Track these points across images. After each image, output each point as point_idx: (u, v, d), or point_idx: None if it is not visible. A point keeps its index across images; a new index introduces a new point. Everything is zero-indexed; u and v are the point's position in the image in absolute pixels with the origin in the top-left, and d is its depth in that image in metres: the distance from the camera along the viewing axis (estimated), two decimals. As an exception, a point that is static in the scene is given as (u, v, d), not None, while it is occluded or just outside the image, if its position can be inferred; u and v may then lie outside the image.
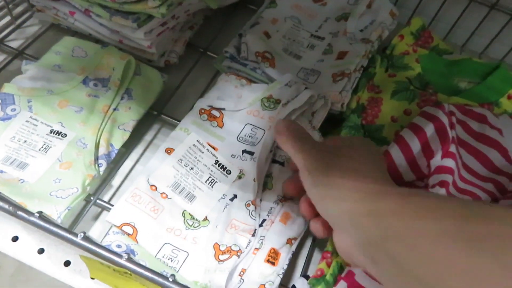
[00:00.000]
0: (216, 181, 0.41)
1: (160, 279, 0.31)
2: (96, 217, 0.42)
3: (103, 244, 0.36)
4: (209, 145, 0.43)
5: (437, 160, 0.43)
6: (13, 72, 0.49)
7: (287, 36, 0.56)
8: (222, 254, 0.37)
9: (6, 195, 0.36)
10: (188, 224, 0.39)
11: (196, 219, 0.39)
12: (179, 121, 0.45)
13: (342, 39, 0.55)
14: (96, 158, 0.41)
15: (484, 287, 0.21)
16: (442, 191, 0.39)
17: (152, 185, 0.40)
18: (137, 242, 0.37)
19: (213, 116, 0.45)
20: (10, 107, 0.42)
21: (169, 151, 0.42)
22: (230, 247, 0.38)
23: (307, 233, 0.42)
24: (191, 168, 0.41)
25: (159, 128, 0.49)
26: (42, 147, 0.41)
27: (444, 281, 0.22)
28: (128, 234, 0.37)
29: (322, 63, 0.53)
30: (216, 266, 0.36)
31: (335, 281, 0.37)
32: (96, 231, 0.41)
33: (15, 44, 0.54)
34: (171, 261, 0.37)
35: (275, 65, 0.51)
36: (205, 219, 0.39)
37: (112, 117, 0.45)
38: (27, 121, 0.42)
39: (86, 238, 0.31)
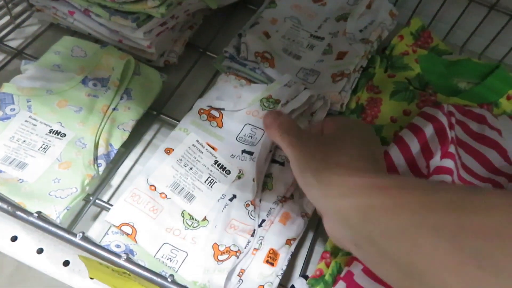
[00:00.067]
0: (215, 181, 0.41)
1: (159, 279, 0.31)
2: (95, 217, 0.42)
3: (102, 244, 0.36)
4: (208, 145, 0.43)
5: (436, 160, 0.43)
6: (12, 72, 0.49)
7: (287, 36, 0.56)
8: (221, 254, 0.37)
9: (5, 195, 0.36)
10: (187, 224, 0.39)
11: (195, 219, 0.39)
12: (179, 121, 0.45)
13: (342, 39, 0.55)
14: (95, 158, 0.41)
15: (464, 280, 0.21)
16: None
17: (151, 185, 0.40)
18: (136, 242, 0.37)
19: (213, 116, 0.45)
20: (9, 106, 0.42)
21: (168, 151, 0.42)
22: (229, 247, 0.37)
23: (306, 233, 0.42)
24: (191, 168, 0.41)
25: (158, 128, 0.49)
26: (41, 147, 0.41)
27: (428, 272, 0.22)
28: (127, 234, 0.37)
29: (321, 63, 0.53)
30: (215, 266, 0.36)
31: (334, 281, 0.37)
32: (95, 231, 0.41)
33: (14, 43, 0.54)
34: (170, 261, 0.37)
35: (274, 65, 0.51)
36: (204, 219, 0.39)
37: (112, 117, 0.45)
38: (26, 121, 0.42)
39: (85, 238, 0.31)
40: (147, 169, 0.41)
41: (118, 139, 0.44)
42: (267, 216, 0.40)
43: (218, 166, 0.42)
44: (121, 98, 0.46)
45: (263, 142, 0.43)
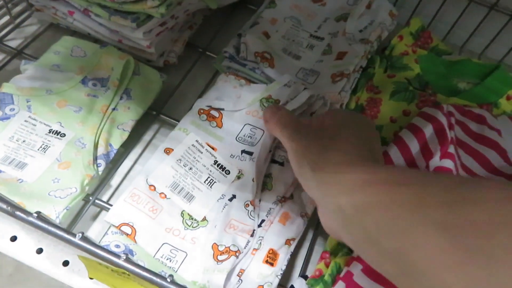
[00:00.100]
0: (215, 181, 0.41)
1: (158, 280, 0.31)
2: (95, 217, 0.42)
3: (102, 244, 0.36)
4: (208, 145, 0.43)
5: (436, 160, 0.43)
6: (12, 72, 0.48)
7: (287, 36, 0.56)
8: (220, 255, 0.37)
9: (4, 195, 0.36)
10: (187, 224, 0.39)
11: (195, 219, 0.39)
12: (178, 121, 0.45)
13: (341, 39, 0.55)
14: (95, 158, 0.41)
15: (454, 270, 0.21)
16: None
17: (151, 185, 0.40)
18: (136, 242, 0.37)
19: (212, 116, 0.45)
20: (9, 106, 0.42)
21: (168, 151, 0.42)
22: (229, 247, 0.38)
23: (305, 233, 0.42)
24: (190, 168, 0.41)
25: (158, 128, 0.49)
26: (40, 147, 0.41)
27: (427, 271, 0.22)
28: (127, 234, 0.37)
29: (321, 63, 0.53)
30: (215, 266, 0.36)
31: (334, 282, 0.37)
32: (94, 231, 0.41)
33: (14, 43, 0.54)
34: (170, 261, 0.37)
35: (274, 65, 0.51)
36: (204, 219, 0.39)
37: (111, 117, 0.45)
38: (26, 121, 0.42)
39: (84, 238, 0.31)
40: (147, 169, 0.41)
41: (117, 139, 0.44)
42: (267, 216, 0.40)
43: (217, 166, 0.42)
44: (121, 98, 0.46)
45: (263, 142, 0.43)
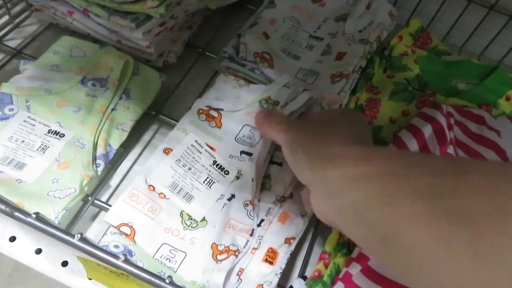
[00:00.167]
0: (214, 181, 0.41)
1: (156, 281, 0.31)
2: (94, 217, 0.42)
3: (101, 244, 0.36)
4: (207, 145, 0.43)
5: (435, 161, 0.43)
6: (11, 72, 0.49)
7: (286, 36, 0.56)
8: (220, 254, 0.37)
9: (3, 195, 0.36)
10: (186, 224, 0.39)
11: (194, 220, 0.39)
12: (177, 121, 0.45)
13: (341, 39, 0.55)
14: (94, 158, 0.41)
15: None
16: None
17: (150, 185, 0.40)
18: (135, 243, 0.37)
19: (211, 117, 0.45)
20: (8, 107, 0.42)
21: (167, 151, 0.42)
22: (228, 247, 0.38)
23: (304, 234, 0.42)
24: (189, 169, 0.41)
25: (157, 128, 0.49)
26: (40, 147, 0.41)
27: (404, 233, 0.23)
28: (126, 235, 0.37)
29: (320, 63, 0.53)
30: (214, 266, 0.36)
31: (333, 282, 0.37)
32: (94, 232, 0.41)
33: (13, 43, 0.54)
34: (169, 261, 0.37)
35: (273, 65, 0.51)
36: (203, 219, 0.39)
37: (110, 117, 0.45)
38: (25, 121, 0.42)
39: (83, 239, 0.31)
40: (146, 169, 0.41)
41: (117, 139, 0.44)
42: (266, 216, 0.40)
43: (216, 166, 0.42)
44: (120, 98, 0.46)
45: (262, 144, 0.43)
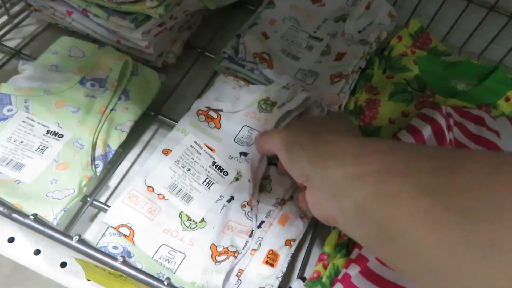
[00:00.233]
0: (213, 182, 0.41)
1: (155, 282, 0.31)
2: (93, 218, 0.42)
3: (100, 245, 0.36)
4: (206, 146, 0.43)
5: (434, 162, 0.43)
6: (10, 72, 0.48)
7: (285, 37, 0.56)
8: (219, 255, 0.37)
9: (1, 196, 0.36)
10: (185, 225, 0.39)
11: (193, 221, 0.39)
12: (177, 121, 0.45)
13: (340, 40, 0.55)
14: (93, 159, 0.41)
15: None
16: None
17: (149, 186, 0.40)
18: (134, 244, 0.37)
19: (211, 117, 0.45)
20: (7, 107, 0.42)
21: (166, 152, 0.42)
22: (227, 248, 0.37)
23: (304, 235, 0.42)
24: (188, 169, 0.41)
25: (156, 128, 0.49)
26: (38, 147, 0.40)
27: (407, 230, 0.23)
28: (125, 236, 0.37)
29: (320, 64, 0.53)
30: (213, 267, 0.36)
31: (332, 283, 0.37)
32: (92, 232, 0.40)
33: (12, 43, 0.54)
34: (168, 262, 0.37)
35: (273, 66, 0.51)
36: (202, 220, 0.39)
37: (109, 118, 0.44)
38: (23, 122, 0.42)
39: (81, 241, 0.31)
40: (145, 170, 0.41)
41: (116, 140, 0.44)
42: (266, 218, 0.40)
43: (216, 167, 0.42)
44: (119, 98, 0.46)
45: None
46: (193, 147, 0.43)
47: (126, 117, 0.45)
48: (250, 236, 0.39)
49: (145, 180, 0.40)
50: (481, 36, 0.63)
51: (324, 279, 0.37)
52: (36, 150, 0.40)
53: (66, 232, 0.38)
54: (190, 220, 0.39)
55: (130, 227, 0.37)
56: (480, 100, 0.52)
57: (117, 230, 0.37)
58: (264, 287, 0.37)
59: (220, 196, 0.41)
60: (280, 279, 0.37)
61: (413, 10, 0.63)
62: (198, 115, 0.45)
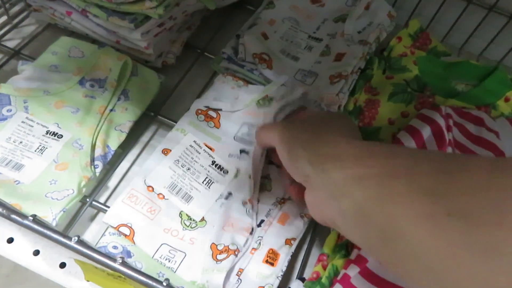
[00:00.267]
0: (213, 182, 0.41)
1: (154, 283, 0.31)
2: (92, 218, 0.41)
3: (99, 245, 0.36)
4: (205, 145, 0.43)
5: (434, 163, 0.43)
6: (9, 72, 0.48)
7: (285, 37, 0.56)
8: (219, 254, 0.37)
9: (0, 196, 0.36)
10: (185, 224, 0.39)
11: (193, 220, 0.39)
12: (176, 122, 0.45)
13: (340, 40, 0.55)
14: (92, 159, 0.41)
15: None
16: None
17: (148, 186, 0.40)
18: (134, 243, 0.37)
19: (210, 117, 0.45)
20: (6, 107, 0.42)
21: (165, 152, 0.42)
22: (228, 246, 0.38)
23: (303, 236, 0.42)
24: (188, 169, 0.41)
25: (155, 129, 0.49)
26: (38, 148, 0.40)
27: (407, 232, 0.23)
28: (125, 235, 0.37)
29: (319, 64, 0.53)
30: (214, 266, 0.36)
31: (331, 284, 0.37)
32: (92, 233, 0.40)
33: (11, 44, 0.54)
34: (169, 261, 0.37)
35: (272, 66, 0.51)
36: (202, 219, 0.39)
37: (109, 118, 0.44)
38: (23, 122, 0.42)
39: (80, 241, 0.31)
40: (145, 170, 0.41)
41: (115, 140, 0.44)
42: (266, 217, 0.40)
43: (215, 166, 0.42)
44: (119, 99, 0.46)
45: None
46: (192, 146, 0.43)
47: (125, 117, 0.45)
48: (251, 233, 0.39)
49: (145, 180, 0.40)
50: (481, 36, 0.63)
51: (324, 280, 0.37)
52: (35, 151, 0.40)
53: (65, 232, 0.39)
54: (190, 219, 0.39)
55: (130, 227, 0.37)
56: (479, 100, 0.52)
57: (117, 230, 0.37)
58: (264, 287, 0.37)
59: (220, 195, 0.41)
60: (280, 278, 0.37)
61: (413, 10, 0.63)
62: (197, 115, 0.45)
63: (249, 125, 0.44)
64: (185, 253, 0.37)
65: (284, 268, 0.38)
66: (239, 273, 0.37)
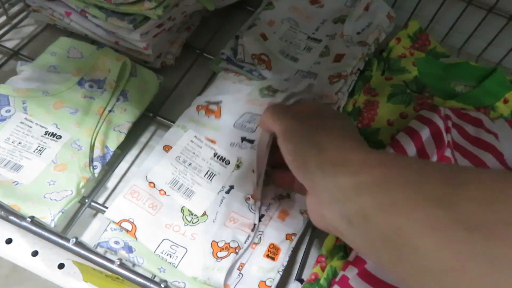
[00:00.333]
0: (214, 174, 0.41)
1: (152, 285, 0.31)
2: (91, 219, 0.41)
3: (101, 240, 0.36)
4: (207, 139, 0.43)
5: (433, 164, 0.43)
6: (8, 73, 0.48)
7: (284, 38, 0.56)
8: (220, 251, 0.37)
9: (-1, 197, 0.36)
10: (187, 220, 0.39)
11: (195, 215, 0.39)
12: (175, 123, 0.45)
13: (339, 41, 0.55)
14: (91, 160, 0.41)
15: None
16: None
17: (150, 182, 0.40)
18: (136, 239, 0.37)
19: (211, 111, 0.45)
20: (5, 108, 0.42)
21: (166, 149, 0.42)
22: (229, 243, 0.38)
23: (302, 237, 0.42)
24: (190, 164, 0.41)
25: (154, 130, 0.49)
26: (36, 148, 0.40)
27: (419, 243, 0.22)
28: (127, 230, 0.37)
29: (318, 65, 0.53)
30: (214, 264, 0.36)
31: (329, 285, 0.37)
32: (90, 234, 0.40)
33: (10, 44, 0.54)
34: (170, 257, 0.37)
35: (271, 67, 0.51)
36: (204, 214, 0.39)
37: (108, 119, 0.44)
38: (21, 123, 0.42)
39: (78, 243, 0.31)
40: (146, 166, 0.41)
41: (114, 141, 0.44)
42: (266, 211, 0.40)
43: (217, 158, 0.42)
44: (117, 99, 0.46)
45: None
46: (193, 142, 0.43)
47: (124, 118, 0.45)
48: (252, 230, 0.39)
49: (146, 176, 0.40)
50: (480, 37, 0.63)
51: (322, 281, 0.37)
52: (34, 151, 0.40)
53: (64, 233, 0.39)
54: (192, 214, 0.39)
55: (132, 222, 0.37)
56: (478, 102, 0.52)
57: (119, 225, 0.37)
58: (265, 281, 0.37)
59: (222, 187, 0.41)
60: (281, 273, 0.38)
61: (412, 11, 0.63)
62: (198, 111, 0.45)
63: (251, 114, 0.44)
64: (186, 248, 0.38)
65: (285, 263, 0.38)
66: (240, 267, 0.37)
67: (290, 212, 0.41)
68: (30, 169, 0.39)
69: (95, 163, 0.41)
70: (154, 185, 0.40)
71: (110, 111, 0.45)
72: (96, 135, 0.43)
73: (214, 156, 0.42)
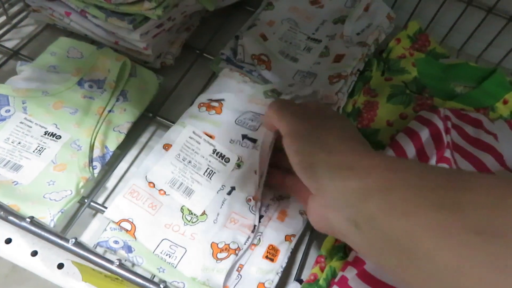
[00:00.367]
0: (214, 172, 0.41)
1: (151, 285, 0.31)
2: (90, 219, 0.41)
3: (100, 240, 0.36)
4: (205, 134, 0.43)
5: (432, 165, 0.43)
6: (8, 73, 0.48)
7: (284, 38, 0.56)
8: (220, 252, 0.37)
9: (-1, 197, 0.36)
10: (187, 219, 0.39)
11: (195, 214, 0.39)
12: (175, 123, 0.45)
13: (339, 42, 0.55)
14: (91, 160, 0.41)
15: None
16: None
17: (150, 182, 0.40)
18: (135, 238, 0.37)
19: (212, 107, 0.45)
20: (5, 108, 0.42)
21: (166, 147, 0.42)
22: (229, 244, 0.37)
23: (301, 237, 0.42)
24: (189, 162, 0.41)
25: (154, 130, 0.49)
26: (36, 148, 0.40)
27: (421, 244, 0.22)
28: (126, 230, 0.37)
29: (318, 65, 0.53)
30: (214, 265, 0.36)
31: (329, 286, 0.37)
32: (90, 234, 0.40)
33: (10, 44, 0.54)
34: (169, 257, 0.37)
35: (271, 67, 0.51)
36: (203, 213, 0.39)
37: (107, 119, 0.44)
38: (21, 123, 0.42)
39: (78, 243, 0.31)
40: (146, 166, 0.41)
41: (113, 141, 0.44)
42: (265, 212, 0.40)
43: (216, 155, 0.42)
44: (117, 100, 0.46)
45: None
46: (192, 138, 0.43)
47: (124, 118, 0.45)
48: (253, 231, 0.39)
49: (146, 176, 0.40)
50: (480, 38, 0.63)
51: (321, 282, 0.37)
52: (33, 151, 0.40)
53: (63, 233, 0.39)
54: (192, 214, 0.39)
55: (132, 222, 0.37)
56: (478, 102, 0.53)
57: (119, 225, 0.37)
58: (264, 283, 0.37)
59: (222, 185, 0.41)
60: (280, 275, 0.37)
61: (412, 12, 0.63)
62: (199, 108, 0.45)
63: (254, 113, 0.43)
64: (185, 248, 0.37)
65: (284, 265, 0.38)
66: (239, 269, 0.37)
67: (290, 212, 0.41)
68: (29, 169, 0.39)
69: (94, 163, 0.41)
70: (154, 185, 0.40)
71: (109, 111, 0.45)
72: (96, 135, 0.43)
73: (213, 152, 0.42)
